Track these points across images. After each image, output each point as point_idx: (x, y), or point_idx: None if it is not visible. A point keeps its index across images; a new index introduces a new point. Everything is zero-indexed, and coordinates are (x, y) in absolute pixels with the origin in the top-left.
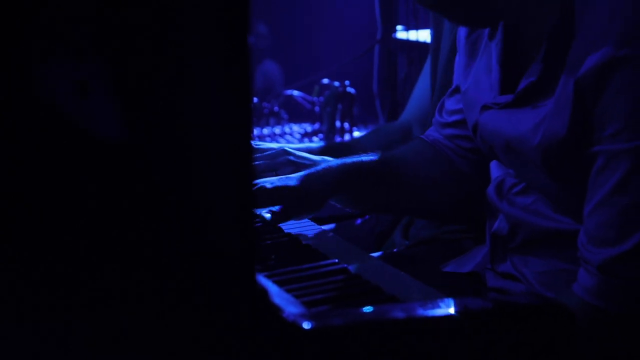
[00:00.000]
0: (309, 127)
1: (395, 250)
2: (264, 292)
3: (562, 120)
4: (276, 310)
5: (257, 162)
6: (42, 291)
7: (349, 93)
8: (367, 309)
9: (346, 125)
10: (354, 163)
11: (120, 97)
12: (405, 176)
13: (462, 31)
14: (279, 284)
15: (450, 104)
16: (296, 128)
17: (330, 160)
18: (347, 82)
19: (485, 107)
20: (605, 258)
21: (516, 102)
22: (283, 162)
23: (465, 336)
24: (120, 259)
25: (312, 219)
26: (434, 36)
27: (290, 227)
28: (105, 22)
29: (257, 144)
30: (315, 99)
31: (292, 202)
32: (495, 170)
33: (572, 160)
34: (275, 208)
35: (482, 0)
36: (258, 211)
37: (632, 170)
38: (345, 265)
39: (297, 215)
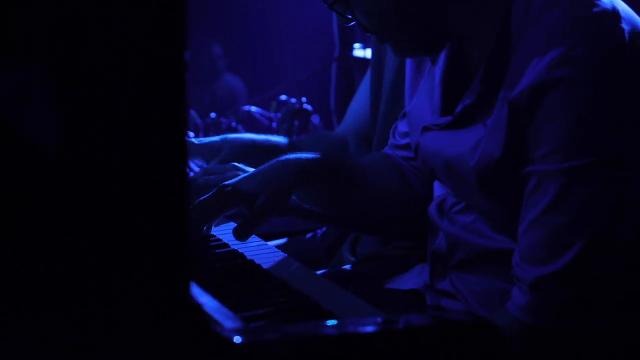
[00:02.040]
0: None
1: (342, 267)
2: (197, 306)
3: (497, 141)
4: (208, 324)
5: (208, 177)
6: None
7: (306, 110)
8: (301, 324)
9: None
10: (310, 159)
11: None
12: (363, 178)
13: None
14: (220, 299)
15: (402, 126)
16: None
17: (288, 155)
18: (303, 99)
19: (425, 129)
20: (537, 276)
21: (455, 123)
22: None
23: (394, 352)
24: (51, 265)
25: (261, 235)
26: (374, 52)
27: (237, 243)
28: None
29: (199, 139)
30: (272, 114)
31: (253, 201)
32: (437, 189)
33: (507, 180)
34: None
35: (424, 25)
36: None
37: (564, 191)
38: (287, 282)
39: (261, 217)
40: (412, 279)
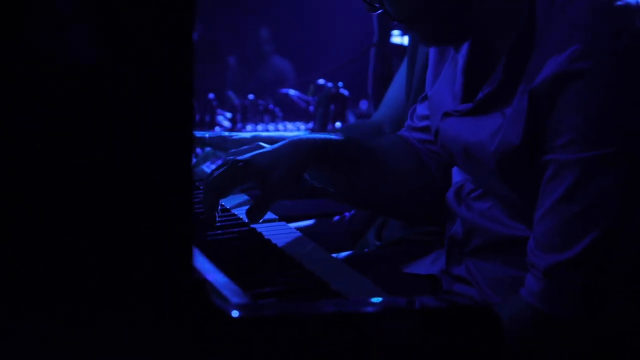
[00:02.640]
0: (302, 126)
1: (365, 250)
2: (199, 281)
3: (517, 129)
4: (208, 298)
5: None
6: None
7: (342, 94)
8: (301, 303)
9: (338, 125)
10: (325, 138)
11: None
12: (376, 160)
13: None
14: (231, 276)
15: (421, 109)
16: (290, 126)
17: (301, 135)
18: (340, 84)
19: (446, 114)
20: (551, 263)
21: (475, 110)
22: None
23: (391, 333)
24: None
25: (287, 216)
26: (410, 40)
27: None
28: None
29: (231, 134)
30: (310, 98)
31: (267, 176)
32: (456, 175)
33: (525, 168)
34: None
35: (449, 16)
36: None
37: (579, 180)
38: (300, 262)
39: (275, 193)
40: (430, 264)
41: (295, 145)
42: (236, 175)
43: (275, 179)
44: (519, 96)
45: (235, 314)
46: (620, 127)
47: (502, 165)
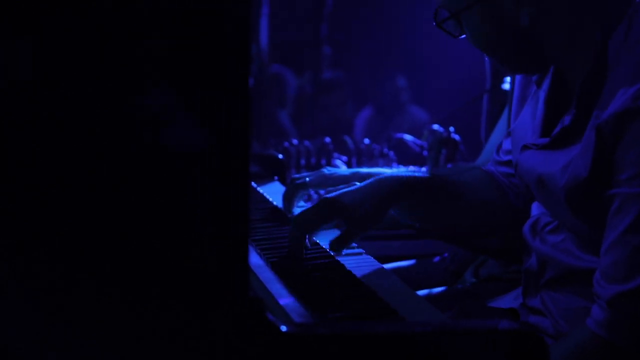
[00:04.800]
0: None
1: (459, 286)
2: (255, 299)
3: (585, 163)
4: (263, 314)
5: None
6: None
7: (453, 139)
8: (354, 324)
9: None
10: (409, 175)
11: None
12: (460, 194)
13: (517, 79)
14: (303, 301)
15: (506, 144)
16: (403, 170)
17: (385, 173)
18: (451, 129)
19: (525, 147)
20: (615, 293)
21: (552, 144)
22: None
23: (439, 353)
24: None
25: (389, 256)
26: (511, 85)
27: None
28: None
29: (330, 171)
30: (424, 143)
31: (353, 212)
32: (534, 209)
33: (594, 201)
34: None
35: (521, 48)
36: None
37: None
38: (375, 292)
39: (358, 229)
40: (513, 299)
41: (381, 182)
42: (323, 212)
43: (361, 215)
44: (589, 130)
45: (283, 328)
46: None
47: (572, 198)
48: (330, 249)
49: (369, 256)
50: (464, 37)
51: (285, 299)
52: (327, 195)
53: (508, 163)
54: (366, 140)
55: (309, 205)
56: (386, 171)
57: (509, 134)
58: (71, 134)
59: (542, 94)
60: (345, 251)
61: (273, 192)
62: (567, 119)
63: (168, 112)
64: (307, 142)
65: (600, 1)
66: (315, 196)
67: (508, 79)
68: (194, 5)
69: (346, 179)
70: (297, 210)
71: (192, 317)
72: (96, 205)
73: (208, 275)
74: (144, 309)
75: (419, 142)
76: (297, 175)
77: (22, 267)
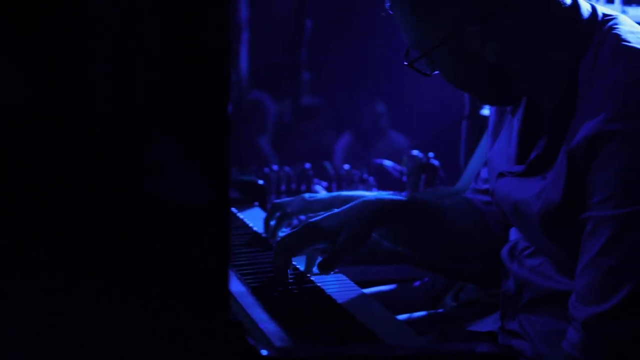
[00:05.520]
0: None
1: (440, 310)
2: (235, 323)
3: (558, 188)
4: (244, 339)
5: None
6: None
7: (432, 164)
8: (332, 347)
9: None
10: (392, 199)
11: None
12: (440, 218)
13: (492, 109)
14: (283, 325)
15: (484, 172)
16: (385, 193)
17: (367, 195)
18: (430, 154)
19: (500, 175)
20: (590, 315)
21: (526, 172)
22: None
23: None
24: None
25: (367, 281)
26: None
27: (322, 280)
28: None
29: (311, 196)
30: (404, 168)
31: (337, 235)
32: (512, 234)
33: (568, 225)
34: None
35: (493, 81)
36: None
37: (616, 236)
38: (354, 316)
39: (345, 250)
40: (493, 322)
41: (365, 205)
42: (307, 236)
43: (345, 238)
44: (561, 156)
45: (264, 352)
46: None
47: (546, 223)
48: (318, 270)
49: (349, 281)
50: (437, 73)
51: (266, 324)
52: (311, 219)
53: (486, 191)
54: (346, 166)
55: (289, 230)
56: (367, 194)
57: (486, 163)
58: (71, 133)
59: (516, 123)
60: (324, 277)
61: (254, 218)
62: (540, 146)
63: (146, 138)
64: (287, 168)
65: (566, 32)
66: (295, 222)
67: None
68: (174, 29)
69: (327, 204)
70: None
71: (173, 340)
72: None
73: (189, 298)
74: (120, 333)
75: (398, 167)
76: (277, 201)
77: (22, 267)
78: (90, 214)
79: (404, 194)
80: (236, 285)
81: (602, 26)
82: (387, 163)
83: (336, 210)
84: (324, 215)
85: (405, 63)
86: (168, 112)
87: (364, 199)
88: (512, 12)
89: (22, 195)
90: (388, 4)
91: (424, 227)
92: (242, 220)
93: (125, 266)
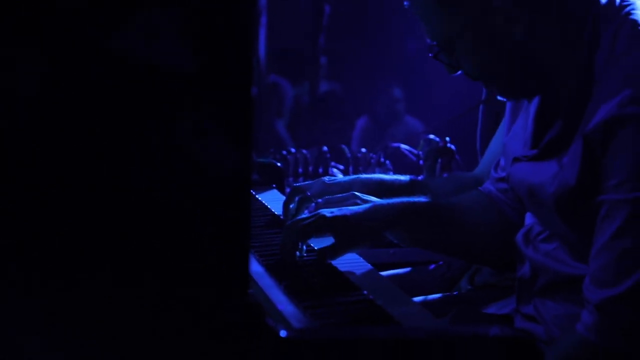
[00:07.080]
0: None
1: (455, 293)
2: (254, 304)
3: (573, 172)
4: (263, 319)
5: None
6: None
7: (449, 148)
8: (351, 329)
9: None
10: (405, 203)
11: None
12: (455, 218)
13: None
14: (301, 307)
15: (503, 161)
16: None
17: (383, 201)
18: (447, 138)
19: (515, 159)
20: (603, 298)
21: (540, 155)
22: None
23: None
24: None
25: (385, 264)
26: None
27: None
28: None
29: (331, 179)
30: (420, 152)
31: (345, 231)
32: (527, 219)
33: (582, 209)
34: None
35: (514, 74)
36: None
37: (630, 219)
38: (369, 296)
39: (347, 247)
40: (507, 305)
41: (376, 210)
42: (318, 227)
43: (353, 237)
44: (576, 140)
45: (283, 333)
46: None
47: (561, 207)
48: (319, 256)
49: (365, 262)
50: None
51: (284, 305)
52: (325, 213)
53: (505, 179)
54: (363, 149)
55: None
56: (386, 177)
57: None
58: (71, 133)
59: (532, 108)
60: (340, 259)
61: (272, 200)
62: (555, 130)
63: (171, 119)
64: (304, 151)
65: (585, 16)
66: (313, 205)
67: None
68: (196, 17)
69: (347, 187)
70: None
71: (193, 321)
72: (97, 206)
73: (209, 280)
74: (143, 313)
75: (415, 151)
76: (297, 184)
77: (22, 267)
78: (123, 193)
79: (420, 177)
80: (254, 266)
81: (619, 11)
82: (404, 147)
83: (350, 208)
84: (338, 212)
85: (430, 55)
86: (193, 92)
87: (377, 203)
88: None
89: (21, 194)
90: (407, 3)
91: (438, 229)
92: (260, 202)
93: (150, 248)
